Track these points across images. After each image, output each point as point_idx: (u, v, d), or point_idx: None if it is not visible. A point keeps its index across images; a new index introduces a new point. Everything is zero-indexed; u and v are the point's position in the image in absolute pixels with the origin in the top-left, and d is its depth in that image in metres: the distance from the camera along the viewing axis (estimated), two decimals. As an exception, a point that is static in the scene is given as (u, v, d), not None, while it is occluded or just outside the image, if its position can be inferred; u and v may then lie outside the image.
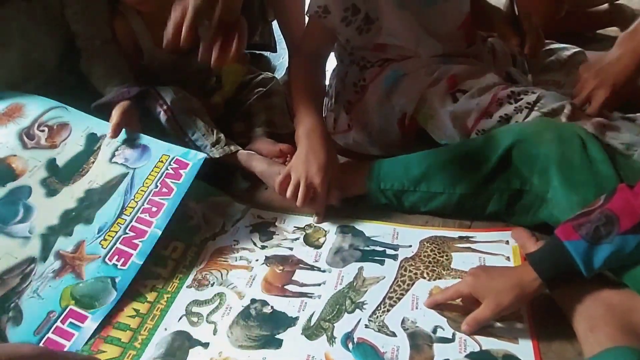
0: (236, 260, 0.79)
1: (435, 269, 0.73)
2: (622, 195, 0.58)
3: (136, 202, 0.80)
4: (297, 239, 0.82)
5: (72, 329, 0.67)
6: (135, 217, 0.78)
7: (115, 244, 0.75)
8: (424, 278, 0.71)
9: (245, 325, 0.67)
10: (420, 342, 0.62)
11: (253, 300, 0.71)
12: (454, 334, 0.62)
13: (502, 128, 0.80)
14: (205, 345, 0.65)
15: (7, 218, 0.76)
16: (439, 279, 0.71)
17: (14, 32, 0.93)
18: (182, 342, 0.66)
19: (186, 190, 0.81)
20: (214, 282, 0.75)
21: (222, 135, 1.00)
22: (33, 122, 0.90)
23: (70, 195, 0.82)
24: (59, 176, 0.83)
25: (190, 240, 0.82)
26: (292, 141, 1.00)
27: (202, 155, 0.88)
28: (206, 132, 0.97)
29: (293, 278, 0.74)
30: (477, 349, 0.60)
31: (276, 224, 0.86)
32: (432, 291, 0.69)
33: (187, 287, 0.75)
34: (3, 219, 0.76)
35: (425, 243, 0.77)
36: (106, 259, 0.74)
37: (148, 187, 0.82)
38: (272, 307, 0.70)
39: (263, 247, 0.81)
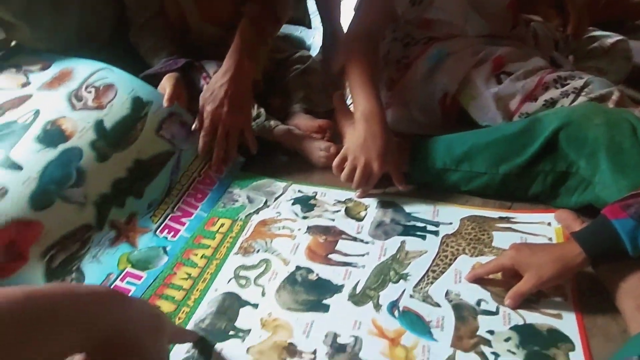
0: (279, 230, 0.81)
1: (476, 246, 0.74)
2: None
3: (182, 185, 0.85)
4: (338, 211, 0.84)
5: (130, 285, 0.70)
6: (182, 200, 0.83)
7: (164, 220, 0.80)
8: (466, 254, 0.73)
9: (292, 290, 0.70)
10: (464, 313, 0.64)
11: (298, 267, 0.73)
12: (497, 307, 0.64)
13: (548, 111, 0.80)
14: (255, 305, 0.68)
15: (61, 181, 0.78)
16: (481, 255, 0.72)
17: (74, -2, 0.95)
18: (232, 302, 0.69)
19: (229, 185, 0.87)
20: (259, 249, 0.77)
21: (262, 110, 1.01)
22: (81, 84, 0.91)
23: (120, 163, 0.84)
24: (107, 140, 0.85)
25: (235, 217, 0.85)
26: (329, 118, 1.02)
27: (242, 158, 0.92)
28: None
29: (336, 248, 0.76)
30: (521, 322, 0.62)
31: (317, 197, 0.88)
32: (475, 267, 0.70)
33: (234, 254, 0.77)
34: (58, 182, 0.77)
35: (466, 221, 0.79)
36: (157, 232, 0.78)
37: (192, 174, 0.87)
38: (317, 274, 0.72)
39: (305, 218, 0.83)
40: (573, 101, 0.81)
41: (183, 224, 0.80)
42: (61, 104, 0.89)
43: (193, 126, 0.91)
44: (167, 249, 0.76)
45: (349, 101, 0.97)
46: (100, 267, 0.72)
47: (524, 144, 0.78)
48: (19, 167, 0.77)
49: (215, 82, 0.92)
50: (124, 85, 0.92)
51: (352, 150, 0.83)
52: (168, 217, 0.80)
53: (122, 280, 0.71)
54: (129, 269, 0.73)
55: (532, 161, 0.77)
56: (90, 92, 0.90)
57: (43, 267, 0.69)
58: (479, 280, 0.68)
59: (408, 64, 0.96)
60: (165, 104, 0.89)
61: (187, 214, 0.82)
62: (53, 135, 0.83)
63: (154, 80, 0.94)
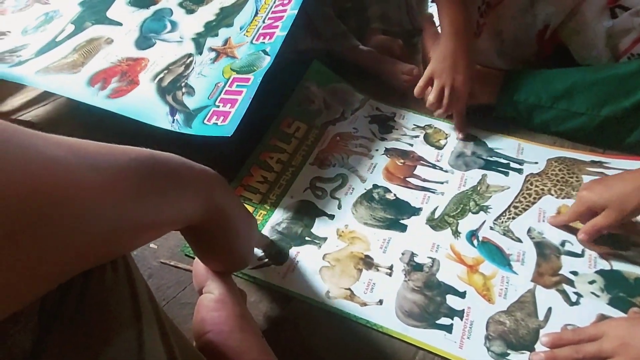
0: (356, 147, 0.79)
1: (563, 188, 0.71)
2: None
3: (267, 4, 0.84)
4: (416, 136, 0.81)
5: (240, 88, 0.72)
6: (270, 11, 0.83)
7: (258, 31, 0.81)
8: (552, 195, 0.70)
9: (369, 206, 0.69)
10: (547, 251, 0.62)
11: (375, 186, 0.72)
12: (583, 250, 0.62)
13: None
14: (331, 217, 0.68)
15: (158, 30, 0.85)
16: (568, 198, 0.69)
17: None
18: (308, 210, 0.69)
19: None
20: (335, 164, 0.76)
21: (346, 28, 0.96)
22: None
23: (207, 12, 0.87)
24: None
25: (311, 123, 0.83)
26: (406, 39, 0.96)
27: None
28: (333, 21, 0.94)
29: (414, 172, 0.74)
30: (607, 267, 0.60)
31: (395, 119, 0.85)
32: (560, 209, 0.68)
33: (310, 164, 0.76)
34: (155, 30, 0.84)
35: (553, 162, 0.75)
36: (253, 41, 0.79)
37: None
38: (394, 194, 0.71)
39: (382, 139, 0.80)
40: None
41: (276, 27, 0.80)
42: None
43: None
44: (267, 50, 0.76)
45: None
46: (207, 80, 0.75)
47: (633, 86, 0.71)
48: (118, 23, 0.86)
49: None
50: None
51: (439, 71, 0.78)
52: (260, 29, 0.81)
53: (230, 86, 0.73)
54: (235, 76, 0.74)
55: (638, 107, 0.71)
56: None
57: (155, 87, 0.75)
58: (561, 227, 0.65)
59: (509, -12, 0.88)
60: None
61: (278, 19, 0.81)
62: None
63: None
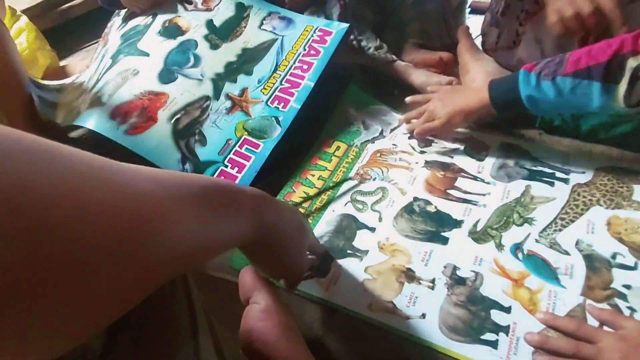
0: (395, 161, 0.80)
1: (613, 198, 0.68)
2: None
3: (288, 61, 0.89)
4: (457, 148, 0.80)
5: (249, 153, 0.78)
6: (289, 73, 0.87)
7: (274, 92, 0.85)
8: (601, 205, 0.67)
9: (409, 218, 0.69)
10: (597, 264, 0.60)
11: (416, 198, 0.72)
12: (636, 263, 0.60)
13: None
14: (372, 229, 0.68)
15: (181, 63, 0.89)
16: (618, 208, 0.67)
17: None
18: (350, 223, 0.70)
19: (333, 51, 0.88)
20: (375, 177, 0.77)
21: (384, 44, 0.98)
22: None
23: (230, 51, 0.92)
24: (217, 34, 0.94)
25: (351, 142, 0.84)
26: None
27: (345, 25, 0.92)
28: (370, 36, 0.96)
29: (455, 184, 0.74)
30: (663, 281, 0.57)
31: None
32: (610, 220, 0.65)
33: (350, 179, 0.77)
34: (179, 64, 0.89)
35: (601, 172, 0.72)
36: (268, 103, 0.84)
37: (297, 50, 0.90)
38: (435, 206, 0.71)
39: (422, 152, 0.81)
40: None
41: (292, 94, 0.84)
42: (174, 6, 0.99)
43: None
44: (280, 119, 0.82)
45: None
46: (219, 132, 0.80)
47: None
48: (146, 54, 0.91)
49: None
50: None
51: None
52: (277, 89, 0.85)
53: (240, 147, 0.79)
54: (246, 137, 0.80)
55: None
56: None
57: (170, 128, 0.80)
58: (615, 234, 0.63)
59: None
60: None
61: (295, 85, 0.85)
62: (171, 30, 0.95)
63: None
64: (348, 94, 0.91)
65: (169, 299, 0.35)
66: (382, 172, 0.78)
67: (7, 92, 0.85)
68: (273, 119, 0.81)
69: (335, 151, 0.82)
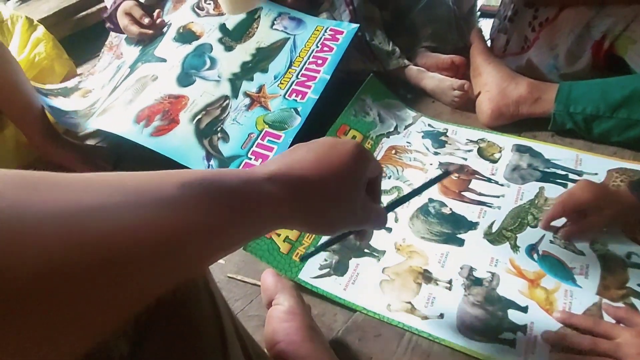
0: (410, 161, 0.81)
1: (627, 199, 0.69)
2: None
3: (302, 57, 0.91)
4: (470, 150, 0.82)
5: (271, 144, 0.80)
6: (304, 67, 0.90)
7: (291, 86, 0.88)
8: (614, 206, 0.68)
9: (425, 220, 0.70)
10: (612, 264, 0.61)
11: (431, 200, 0.73)
12: (651, 263, 0.60)
13: None
14: (389, 230, 0.70)
15: (198, 66, 0.91)
16: (632, 209, 0.67)
17: None
18: (366, 226, 0.71)
19: (345, 48, 0.90)
20: (390, 176, 0.78)
21: (397, 48, 0.99)
22: None
23: (244, 51, 0.94)
24: (231, 36, 0.96)
25: (366, 133, 0.86)
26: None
27: (355, 25, 0.93)
28: (382, 40, 0.97)
29: (470, 186, 0.75)
30: (678, 281, 0.58)
31: (448, 134, 0.86)
32: (624, 220, 0.66)
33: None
34: (196, 67, 0.91)
35: (614, 173, 0.73)
36: (286, 96, 0.86)
37: (310, 47, 0.93)
38: (450, 209, 0.72)
39: (436, 154, 0.82)
40: None
41: (309, 87, 0.87)
42: (187, 13, 1.01)
43: None
44: (299, 109, 0.84)
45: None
46: (241, 128, 0.83)
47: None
48: (163, 60, 0.94)
49: None
50: None
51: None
52: (294, 83, 0.88)
53: (262, 139, 0.81)
54: (267, 129, 0.82)
55: None
56: (209, 3, 1.02)
57: (193, 128, 0.82)
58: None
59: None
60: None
61: (311, 78, 0.87)
62: (186, 35, 0.98)
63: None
64: (367, 84, 0.92)
65: (193, 306, 0.34)
66: (397, 170, 0.79)
67: (18, 111, 0.86)
68: (292, 110, 0.83)
69: (351, 139, 0.83)
